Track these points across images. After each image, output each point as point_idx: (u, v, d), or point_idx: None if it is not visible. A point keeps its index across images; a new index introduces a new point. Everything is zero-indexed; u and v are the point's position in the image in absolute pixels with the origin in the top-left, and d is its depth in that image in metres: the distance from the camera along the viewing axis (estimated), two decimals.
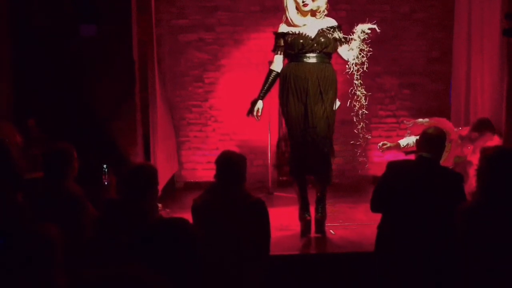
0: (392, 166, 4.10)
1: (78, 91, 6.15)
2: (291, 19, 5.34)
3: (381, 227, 4.10)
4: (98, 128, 6.12)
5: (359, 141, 5.22)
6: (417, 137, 5.71)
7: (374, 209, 4.12)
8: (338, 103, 5.34)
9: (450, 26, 7.32)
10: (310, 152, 5.29)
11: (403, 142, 6.00)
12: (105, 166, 4.45)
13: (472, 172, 5.38)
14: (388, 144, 6.04)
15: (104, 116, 6.16)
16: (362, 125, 5.16)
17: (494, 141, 5.71)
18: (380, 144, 6.10)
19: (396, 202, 3.97)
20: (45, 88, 6.10)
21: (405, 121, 6.52)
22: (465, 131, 6.03)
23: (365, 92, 5.14)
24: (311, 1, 5.29)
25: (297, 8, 5.34)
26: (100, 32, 6.20)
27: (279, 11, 7.50)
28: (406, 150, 5.93)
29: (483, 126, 5.86)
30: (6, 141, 4.33)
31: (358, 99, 5.14)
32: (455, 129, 6.00)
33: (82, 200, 3.97)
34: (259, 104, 5.43)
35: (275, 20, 7.22)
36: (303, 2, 5.28)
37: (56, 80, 6.11)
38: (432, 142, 4.11)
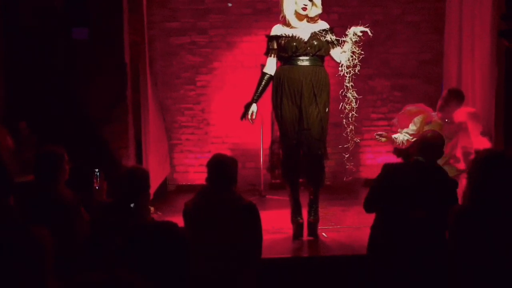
0: (388, 168, 4.12)
1: (69, 94, 6.14)
2: (288, 20, 5.32)
3: (374, 228, 4.11)
4: (90, 130, 6.11)
5: (347, 145, 5.20)
6: (407, 134, 5.74)
7: (368, 209, 4.14)
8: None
9: (442, 29, 7.34)
10: (303, 155, 5.30)
11: (395, 136, 5.95)
12: (96, 170, 4.42)
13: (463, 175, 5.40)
14: (385, 134, 5.97)
15: (96, 118, 6.14)
16: (352, 128, 5.14)
17: (485, 143, 5.72)
18: (378, 133, 6.00)
19: (390, 204, 3.98)
20: (36, 91, 6.08)
21: (393, 122, 6.48)
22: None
23: (356, 95, 5.13)
24: (310, 6, 5.27)
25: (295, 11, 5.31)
26: (92, 34, 6.19)
27: (271, 13, 7.54)
28: (398, 147, 5.90)
29: (449, 95, 5.84)
30: None
31: (349, 101, 5.13)
32: (433, 113, 5.96)
33: (73, 204, 3.96)
34: (253, 107, 5.39)
35: (267, 23, 7.23)
36: (303, 4, 5.25)
37: (48, 83, 6.09)
38: (429, 147, 4.15)
